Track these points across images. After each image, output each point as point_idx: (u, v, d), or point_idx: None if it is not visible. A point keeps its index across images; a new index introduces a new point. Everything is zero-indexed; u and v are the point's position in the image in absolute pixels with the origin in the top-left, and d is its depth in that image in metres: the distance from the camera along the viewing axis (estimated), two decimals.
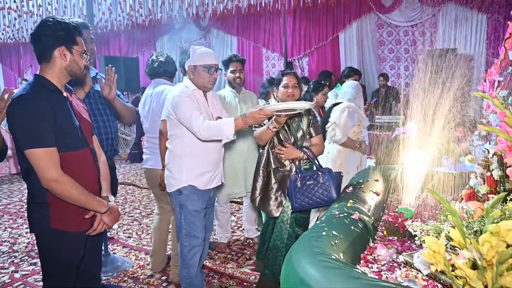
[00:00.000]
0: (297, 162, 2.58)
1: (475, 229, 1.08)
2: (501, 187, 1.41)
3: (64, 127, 1.64)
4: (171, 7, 8.32)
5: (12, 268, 3.17)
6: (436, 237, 1.05)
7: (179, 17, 8.76)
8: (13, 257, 3.39)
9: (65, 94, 1.74)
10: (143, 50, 10.31)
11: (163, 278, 2.93)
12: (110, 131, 2.48)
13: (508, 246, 0.87)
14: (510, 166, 0.92)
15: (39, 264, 1.89)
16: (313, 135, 2.68)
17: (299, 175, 2.47)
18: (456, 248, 1.00)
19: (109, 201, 1.85)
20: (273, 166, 2.59)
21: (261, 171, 2.63)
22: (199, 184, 2.30)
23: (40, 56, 1.67)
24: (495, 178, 1.41)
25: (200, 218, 2.35)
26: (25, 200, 1.84)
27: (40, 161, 1.56)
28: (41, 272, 1.82)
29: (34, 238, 1.81)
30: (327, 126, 3.40)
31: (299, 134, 2.61)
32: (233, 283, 2.87)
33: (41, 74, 1.68)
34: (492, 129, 0.91)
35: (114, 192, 2.65)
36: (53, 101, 1.63)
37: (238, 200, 4.49)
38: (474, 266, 0.93)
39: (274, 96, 2.68)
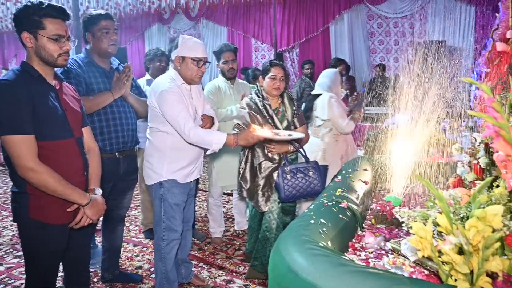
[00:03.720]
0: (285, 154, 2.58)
1: (461, 215, 1.09)
2: (488, 175, 1.41)
3: (45, 115, 1.60)
4: None
5: None
6: (423, 223, 1.05)
7: (167, 7, 8.65)
8: None
9: (53, 82, 1.70)
10: (131, 41, 10.17)
11: (152, 269, 2.92)
12: (131, 122, 2.48)
13: (494, 231, 0.87)
14: (497, 152, 0.92)
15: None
16: (298, 126, 2.67)
17: (288, 167, 2.47)
18: (443, 234, 1.00)
19: (95, 194, 1.82)
20: (261, 159, 2.57)
21: (247, 167, 2.61)
22: (179, 178, 2.27)
23: (20, 42, 1.65)
24: (482, 166, 1.42)
25: (179, 211, 2.33)
26: (10, 193, 1.81)
27: (16, 148, 1.52)
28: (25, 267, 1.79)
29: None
30: (318, 124, 3.29)
31: (284, 124, 2.59)
32: (222, 273, 2.87)
33: (26, 61, 1.65)
34: (480, 114, 0.91)
35: (134, 181, 2.66)
36: (34, 88, 1.59)
37: (228, 191, 4.48)
38: (460, 252, 0.94)
39: (258, 86, 2.66)
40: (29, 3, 1.60)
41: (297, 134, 2.35)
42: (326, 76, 3.35)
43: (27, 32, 1.60)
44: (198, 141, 2.14)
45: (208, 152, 2.21)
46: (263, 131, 2.19)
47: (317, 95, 3.31)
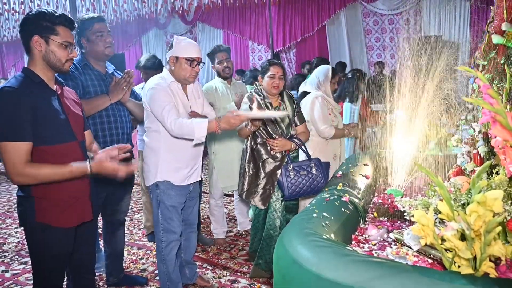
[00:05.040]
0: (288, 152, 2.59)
1: (462, 202, 1.10)
2: None
3: (48, 119, 1.62)
4: (155, 2, 8.22)
5: (3, 267, 3.13)
6: (425, 211, 1.06)
7: (164, 11, 8.67)
8: (3, 256, 3.35)
9: (55, 87, 1.72)
10: (128, 46, 10.20)
11: (156, 271, 2.92)
12: (126, 126, 2.49)
13: (494, 215, 0.88)
14: (495, 137, 0.93)
15: (29, 263, 1.87)
16: (298, 123, 2.70)
17: (291, 165, 2.48)
18: (444, 221, 1.01)
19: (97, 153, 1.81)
20: (264, 157, 2.57)
21: (246, 166, 2.61)
22: (175, 180, 2.27)
23: (24, 48, 1.67)
24: (481, 155, 1.42)
25: (177, 213, 2.32)
26: (14, 201, 1.82)
27: (7, 155, 1.54)
28: (31, 271, 1.81)
29: (24, 237, 1.79)
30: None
31: (285, 123, 2.61)
32: (226, 274, 2.87)
33: (28, 67, 1.67)
34: (476, 101, 0.92)
35: (130, 185, 2.68)
36: (36, 94, 1.61)
37: (229, 192, 4.49)
38: (462, 238, 0.95)
39: (257, 85, 2.68)
40: (44, 10, 1.64)
41: (279, 113, 2.40)
42: (316, 72, 3.24)
43: (38, 36, 1.62)
44: (181, 132, 2.06)
45: (193, 143, 2.08)
46: (245, 112, 2.14)
47: (308, 93, 3.20)
